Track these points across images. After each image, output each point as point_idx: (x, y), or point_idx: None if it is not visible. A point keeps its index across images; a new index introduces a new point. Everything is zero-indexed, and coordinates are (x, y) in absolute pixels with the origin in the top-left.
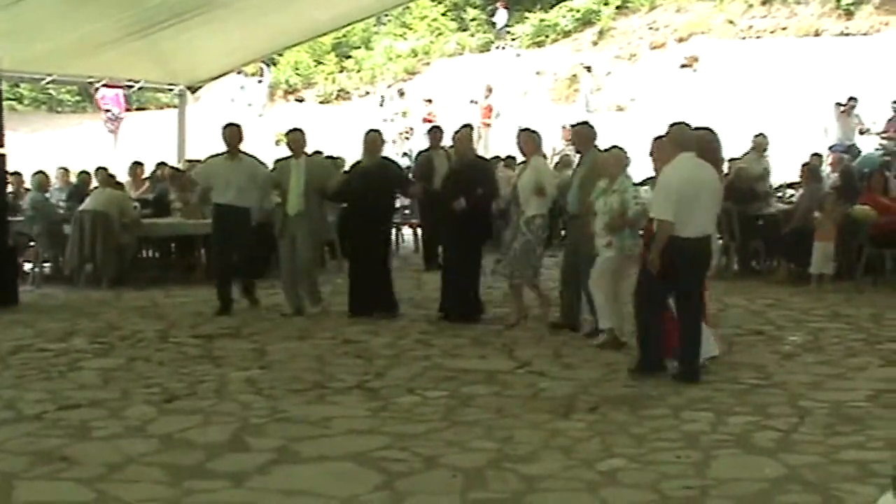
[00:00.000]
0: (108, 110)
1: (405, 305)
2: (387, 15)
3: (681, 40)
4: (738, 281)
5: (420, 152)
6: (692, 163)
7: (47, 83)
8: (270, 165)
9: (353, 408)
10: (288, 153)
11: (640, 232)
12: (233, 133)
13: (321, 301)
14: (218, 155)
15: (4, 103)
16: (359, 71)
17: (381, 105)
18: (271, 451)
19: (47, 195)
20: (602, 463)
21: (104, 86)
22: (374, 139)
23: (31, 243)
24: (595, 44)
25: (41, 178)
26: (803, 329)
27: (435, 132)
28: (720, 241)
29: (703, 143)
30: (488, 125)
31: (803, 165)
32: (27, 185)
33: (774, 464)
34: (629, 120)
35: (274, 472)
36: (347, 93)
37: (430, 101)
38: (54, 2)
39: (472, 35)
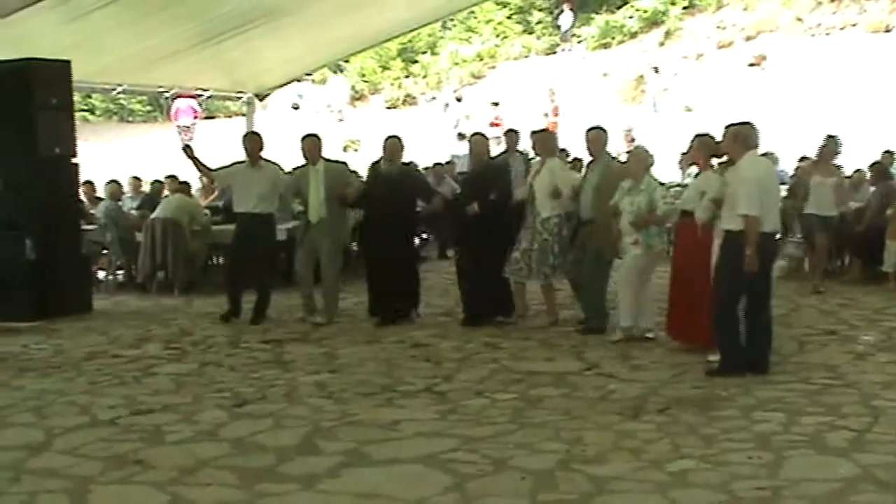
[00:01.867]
0: (183, 126)
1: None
2: (452, 19)
3: (748, 39)
4: (809, 280)
5: (496, 156)
6: (761, 160)
7: (118, 93)
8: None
9: (421, 411)
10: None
11: (668, 226)
12: (253, 142)
13: (335, 315)
14: (240, 162)
15: (77, 114)
16: (425, 76)
17: (445, 111)
18: (341, 454)
19: (120, 204)
20: (672, 464)
21: (177, 97)
22: (394, 145)
23: (105, 251)
24: (662, 44)
25: (114, 187)
26: (876, 328)
27: (511, 135)
28: (792, 242)
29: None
30: (556, 125)
31: (873, 164)
32: (99, 193)
33: (848, 464)
34: (697, 120)
35: (344, 474)
36: (414, 98)
37: (496, 104)
38: (123, 14)
39: (538, 38)
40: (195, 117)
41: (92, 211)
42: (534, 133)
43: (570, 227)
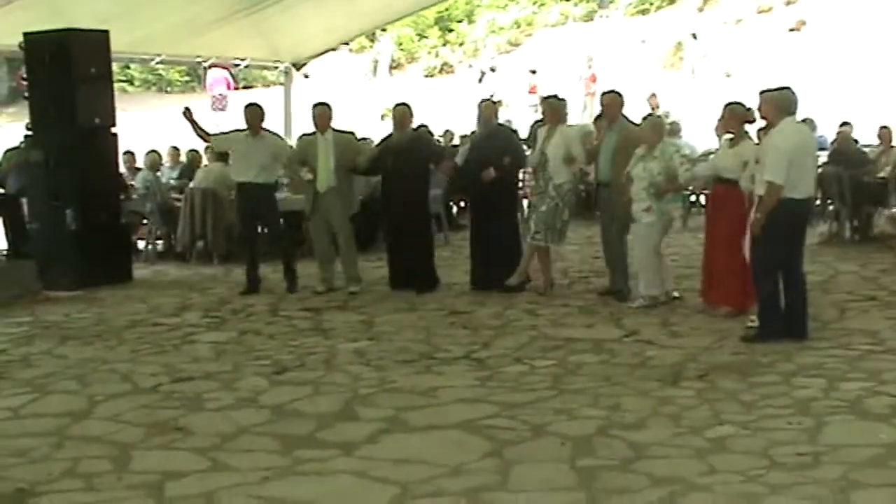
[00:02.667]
0: (217, 95)
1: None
2: None
3: (788, 3)
4: (849, 247)
5: (536, 122)
6: (798, 126)
7: (157, 63)
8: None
9: (460, 378)
10: (313, 129)
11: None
12: (254, 113)
13: (360, 280)
14: (239, 131)
15: (115, 85)
16: (461, 44)
17: (480, 81)
18: (380, 421)
19: (159, 174)
20: (711, 430)
21: (211, 66)
22: (402, 113)
23: (144, 221)
24: (700, 10)
25: (153, 157)
26: None
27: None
28: (831, 207)
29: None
30: (592, 94)
31: None
32: (139, 164)
33: (889, 429)
34: (736, 86)
35: (383, 440)
36: (451, 66)
37: (533, 71)
38: None
39: (575, 5)
40: (228, 88)
41: (131, 182)
42: (543, 99)
43: (583, 192)
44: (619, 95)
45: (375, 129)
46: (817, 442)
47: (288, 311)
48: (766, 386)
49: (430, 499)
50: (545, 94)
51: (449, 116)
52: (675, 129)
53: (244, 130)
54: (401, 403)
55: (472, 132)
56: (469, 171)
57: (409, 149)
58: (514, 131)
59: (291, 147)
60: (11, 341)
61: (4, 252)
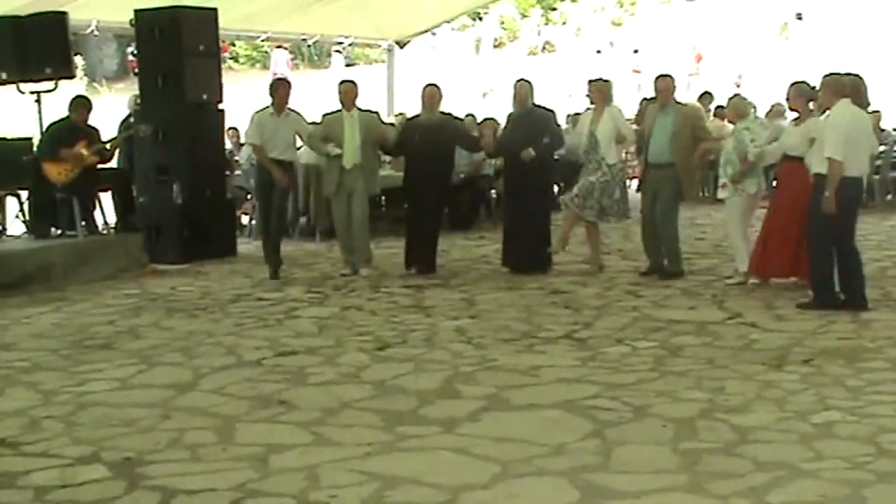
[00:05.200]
0: (279, 75)
1: (614, 258)
2: None
3: None
4: None
5: (645, 99)
6: (852, 108)
7: (262, 41)
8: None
9: (561, 357)
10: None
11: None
12: (281, 92)
13: (372, 260)
14: (263, 111)
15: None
16: (564, 23)
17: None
18: (482, 399)
19: None
20: (816, 415)
21: (277, 47)
22: (432, 93)
23: (248, 197)
24: None
25: None
26: None
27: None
28: None
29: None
30: (697, 74)
31: None
32: (242, 140)
33: None
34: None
35: (484, 418)
36: (553, 45)
37: (636, 51)
38: None
39: None
40: (289, 68)
41: (236, 157)
42: (591, 82)
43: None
44: (672, 79)
45: (477, 107)
46: None
47: (390, 288)
48: (873, 371)
49: (531, 478)
50: (593, 78)
51: (552, 95)
52: (779, 111)
53: (266, 109)
54: (502, 382)
55: (510, 113)
56: (507, 150)
57: (437, 129)
58: (552, 111)
59: (313, 123)
60: (120, 313)
61: (113, 225)
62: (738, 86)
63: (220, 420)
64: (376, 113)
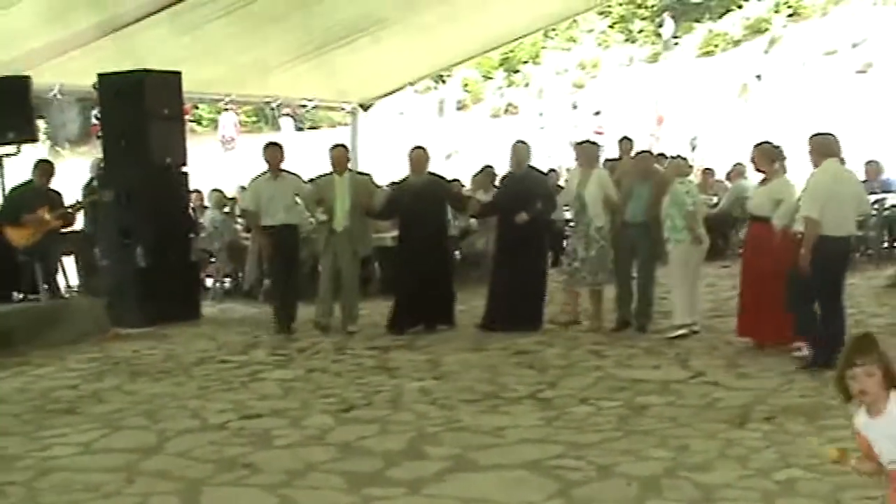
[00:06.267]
0: (226, 137)
1: (583, 316)
2: (554, 29)
3: (854, 45)
4: None
5: (607, 160)
6: (838, 167)
7: (225, 104)
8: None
9: (526, 417)
10: (331, 169)
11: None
12: (274, 153)
13: (357, 320)
14: (259, 177)
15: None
16: (527, 85)
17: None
18: (447, 460)
19: (226, 210)
20: (779, 473)
21: (224, 110)
22: (419, 156)
23: (212, 259)
24: (766, 51)
25: (217, 196)
26: None
27: (625, 143)
28: None
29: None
30: (658, 137)
31: None
32: (206, 203)
33: None
34: (802, 127)
35: (450, 479)
36: (515, 107)
37: (597, 113)
38: (233, 26)
39: (640, 46)
40: (236, 130)
41: (200, 220)
42: (577, 144)
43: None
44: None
45: (441, 168)
46: (885, 486)
47: (355, 350)
48: (834, 429)
49: None
50: (580, 141)
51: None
52: (740, 171)
53: (264, 174)
54: (467, 442)
55: (504, 175)
56: (502, 210)
57: (427, 190)
58: (546, 174)
59: (310, 181)
60: (83, 377)
61: (75, 289)
62: (694, 148)
63: (186, 484)
64: (369, 175)
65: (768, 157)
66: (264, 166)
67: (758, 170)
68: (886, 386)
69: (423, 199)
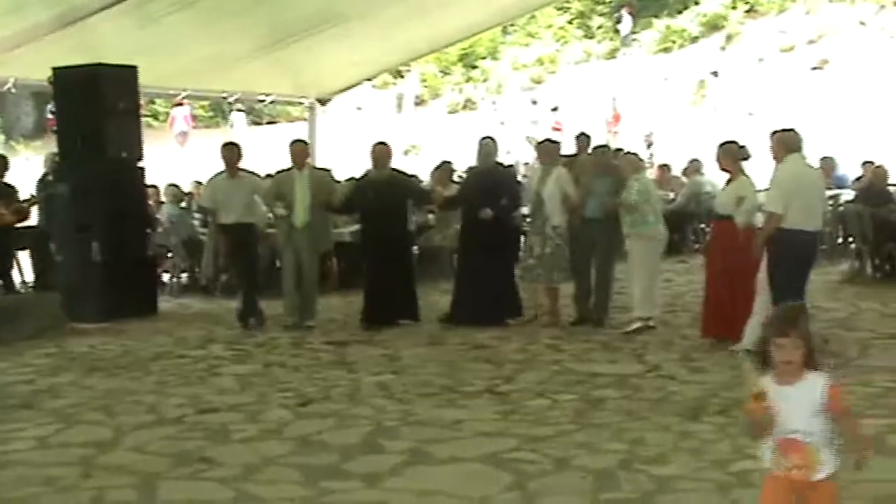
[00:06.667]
0: (179, 133)
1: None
2: (513, 25)
3: (810, 42)
4: (871, 285)
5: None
6: (801, 162)
7: (182, 98)
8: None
9: (483, 411)
10: (290, 165)
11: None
12: (231, 152)
13: (316, 315)
14: (217, 176)
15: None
16: (485, 80)
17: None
18: (404, 453)
19: (183, 205)
20: (733, 464)
21: (176, 105)
22: (381, 151)
23: (169, 254)
24: (723, 48)
25: (174, 190)
26: None
27: (581, 139)
28: (853, 245)
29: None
30: (616, 133)
31: None
32: (163, 198)
33: None
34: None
35: (407, 472)
36: (474, 102)
37: (555, 109)
38: (191, 20)
39: (599, 42)
40: (188, 125)
41: (157, 215)
42: (539, 143)
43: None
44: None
45: (400, 164)
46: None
47: (313, 345)
48: None
49: None
50: (540, 140)
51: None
52: (696, 167)
53: (220, 174)
54: (424, 436)
55: (470, 168)
56: (466, 207)
57: (389, 185)
58: (512, 169)
59: (268, 176)
60: (38, 372)
61: (31, 284)
62: (650, 144)
63: (142, 478)
64: (328, 171)
65: (733, 156)
66: (221, 163)
67: (723, 169)
68: (805, 364)
69: (385, 194)
